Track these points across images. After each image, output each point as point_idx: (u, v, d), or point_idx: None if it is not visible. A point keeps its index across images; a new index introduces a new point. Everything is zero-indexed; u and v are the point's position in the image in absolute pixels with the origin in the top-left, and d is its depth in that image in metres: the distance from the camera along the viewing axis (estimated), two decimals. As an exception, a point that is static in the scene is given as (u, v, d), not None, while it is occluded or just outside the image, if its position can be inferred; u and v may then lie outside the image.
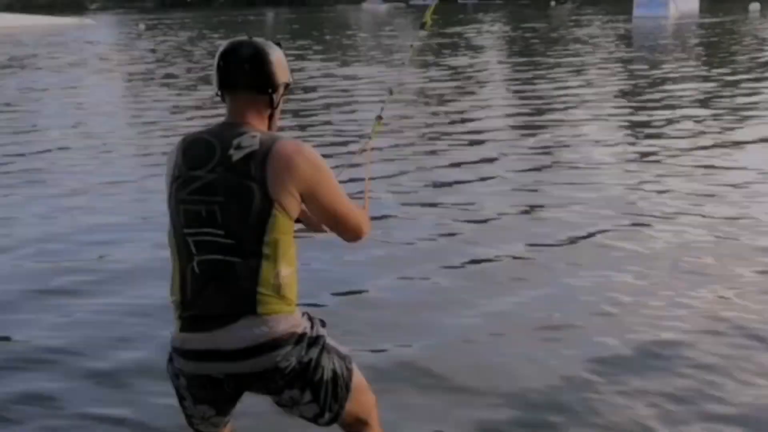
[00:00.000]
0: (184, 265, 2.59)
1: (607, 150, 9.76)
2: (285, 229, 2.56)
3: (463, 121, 12.37)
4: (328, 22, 47.84)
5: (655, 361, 4.23)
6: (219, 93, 2.71)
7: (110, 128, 13.04)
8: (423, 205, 7.56)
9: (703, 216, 6.85)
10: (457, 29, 35.96)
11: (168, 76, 20.89)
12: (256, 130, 2.61)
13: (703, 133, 10.68)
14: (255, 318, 2.51)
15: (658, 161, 9.06)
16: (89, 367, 4.41)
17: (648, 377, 4.05)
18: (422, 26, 3.67)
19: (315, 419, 2.70)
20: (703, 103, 13.41)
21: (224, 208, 2.53)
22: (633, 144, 10.24)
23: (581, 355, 4.30)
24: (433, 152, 10.01)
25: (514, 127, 11.68)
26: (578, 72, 18.56)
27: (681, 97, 14.24)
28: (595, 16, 44.76)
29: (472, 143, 10.57)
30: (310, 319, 2.67)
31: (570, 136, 10.77)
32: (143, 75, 21.41)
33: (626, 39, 29.78)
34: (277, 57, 2.67)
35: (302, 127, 12.24)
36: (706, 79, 16.70)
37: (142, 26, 48.67)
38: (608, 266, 5.69)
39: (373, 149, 3.30)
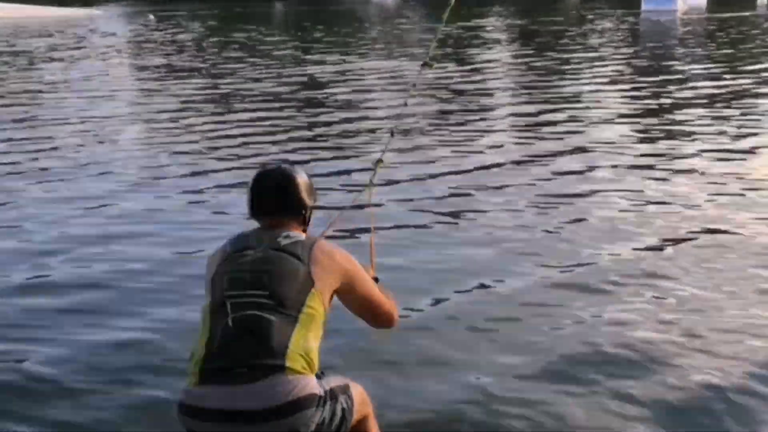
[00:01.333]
0: (215, 325, 2.69)
1: (636, 154, 9.58)
2: (319, 309, 2.76)
3: (479, 132, 11.41)
4: (339, 15, 47.75)
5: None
6: (252, 217, 3.00)
7: (126, 119, 13.11)
8: (445, 223, 7.21)
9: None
10: (463, 23, 35.83)
11: (185, 68, 20.86)
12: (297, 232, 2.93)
13: (726, 132, 10.57)
14: (282, 376, 2.58)
15: (684, 164, 9.02)
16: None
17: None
18: (425, 65, 3.72)
19: None
20: (727, 101, 13.24)
21: (272, 275, 2.74)
22: (662, 149, 9.88)
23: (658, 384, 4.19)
24: (446, 174, 9.04)
25: (529, 135, 11.05)
26: (592, 68, 18.40)
27: (703, 94, 14.12)
28: (603, 10, 44.63)
29: (489, 148, 10.19)
30: (318, 376, 2.76)
31: (593, 141, 10.29)
32: (160, 67, 21.34)
33: (636, 34, 29.72)
34: (303, 181, 2.99)
35: (318, 124, 12.06)
36: (724, 74, 16.56)
37: (152, 17, 48.69)
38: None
39: (375, 186, 3.53)
